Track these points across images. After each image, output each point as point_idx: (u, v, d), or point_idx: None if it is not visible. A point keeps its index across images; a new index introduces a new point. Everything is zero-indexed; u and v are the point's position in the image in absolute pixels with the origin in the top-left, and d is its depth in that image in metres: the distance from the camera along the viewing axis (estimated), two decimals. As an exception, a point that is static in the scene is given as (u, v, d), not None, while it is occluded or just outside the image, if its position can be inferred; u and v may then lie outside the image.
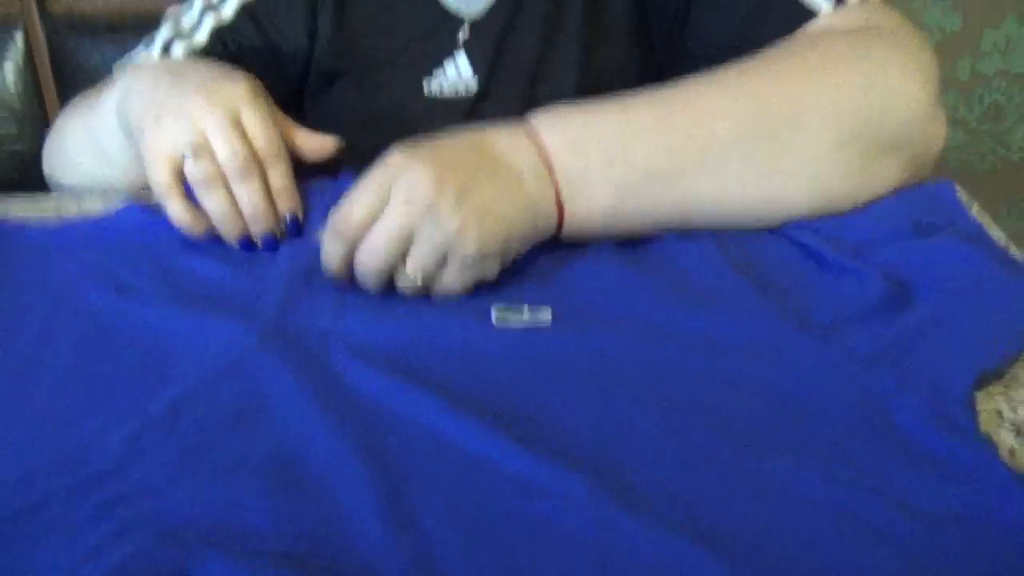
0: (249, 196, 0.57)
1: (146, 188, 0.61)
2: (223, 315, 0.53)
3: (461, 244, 0.51)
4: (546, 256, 0.58)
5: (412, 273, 0.52)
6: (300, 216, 0.60)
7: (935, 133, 0.61)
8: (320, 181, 0.67)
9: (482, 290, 0.54)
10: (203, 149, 0.56)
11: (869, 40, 0.61)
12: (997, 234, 0.60)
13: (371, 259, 0.52)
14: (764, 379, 0.47)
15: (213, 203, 0.57)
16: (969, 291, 0.51)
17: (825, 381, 0.47)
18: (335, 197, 0.54)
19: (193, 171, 0.56)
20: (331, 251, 0.53)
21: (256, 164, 0.57)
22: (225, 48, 0.79)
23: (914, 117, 0.59)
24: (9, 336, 0.52)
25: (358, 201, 0.52)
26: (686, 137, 0.57)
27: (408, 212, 0.50)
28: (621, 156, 0.56)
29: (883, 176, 0.60)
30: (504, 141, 0.56)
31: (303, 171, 0.64)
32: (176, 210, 0.58)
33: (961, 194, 0.64)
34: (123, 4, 1.18)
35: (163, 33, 0.79)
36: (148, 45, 0.80)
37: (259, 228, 0.58)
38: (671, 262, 0.57)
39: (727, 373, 0.48)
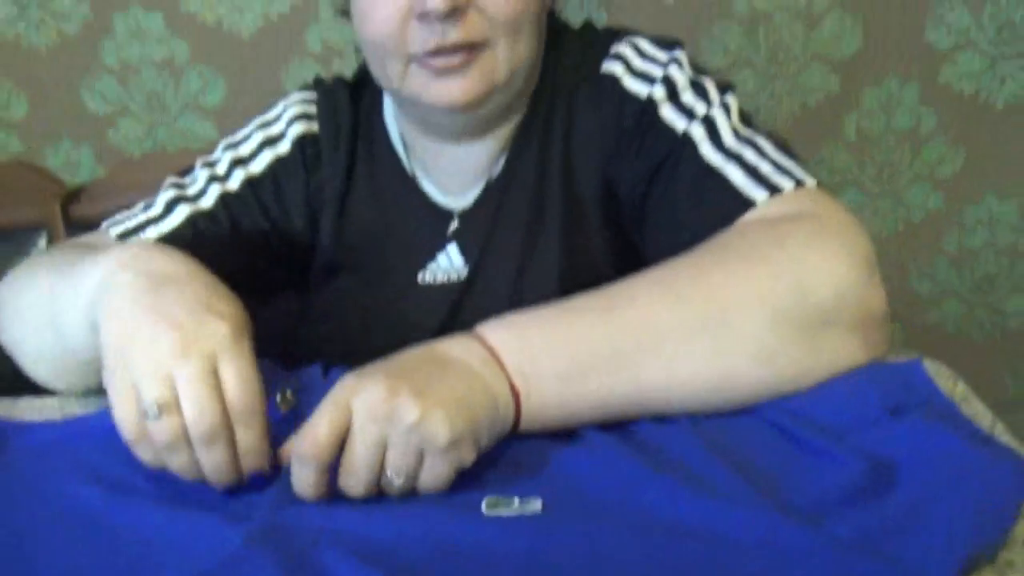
0: (211, 461, 0.53)
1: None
2: (213, 514, 0.54)
3: (431, 435, 0.52)
4: (533, 445, 0.58)
5: (393, 478, 0.53)
6: (267, 469, 0.56)
7: (872, 301, 0.63)
8: (313, 370, 0.69)
9: (472, 482, 0.55)
10: (168, 407, 0.52)
11: (792, 226, 0.65)
12: (981, 409, 0.60)
13: (353, 481, 0.53)
14: (750, 568, 0.47)
15: (175, 463, 0.54)
16: (951, 475, 0.51)
17: (809, 569, 0.46)
18: (326, 389, 0.55)
19: (155, 431, 0.52)
20: (302, 477, 0.53)
21: (224, 426, 0.53)
22: (230, 215, 0.83)
23: (841, 291, 0.61)
24: (1, 535, 0.53)
25: (321, 422, 0.53)
26: (625, 326, 0.60)
27: (374, 425, 0.52)
28: (565, 346, 0.59)
29: (831, 348, 0.62)
30: (452, 346, 0.59)
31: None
32: (145, 459, 0.55)
33: (944, 373, 0.65)
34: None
35: (166, 195, 0.82)
36: (148, 207, 0.82)
37: (221, 485, 0.56)
38: (653, 448, 0.57)
39: (712, 563, 0.47)
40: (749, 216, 0.69)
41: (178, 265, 0.59)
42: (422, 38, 0.73)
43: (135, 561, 0.50)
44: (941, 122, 1.36)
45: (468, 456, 0.54)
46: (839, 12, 1.31)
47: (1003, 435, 0.56)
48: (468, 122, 0.80)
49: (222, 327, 0.54)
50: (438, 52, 0.73)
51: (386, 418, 0.52)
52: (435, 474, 0.53)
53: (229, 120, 1.40)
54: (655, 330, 0.59)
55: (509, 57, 0.76)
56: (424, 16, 0.71)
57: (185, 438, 0.53)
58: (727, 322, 0.60)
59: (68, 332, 0.64)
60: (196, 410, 0.52)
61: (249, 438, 0.54)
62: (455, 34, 0.72)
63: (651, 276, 0.64)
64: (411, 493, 0.54)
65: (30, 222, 1.35)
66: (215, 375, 0.53)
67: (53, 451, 0.62)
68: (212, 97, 1.42)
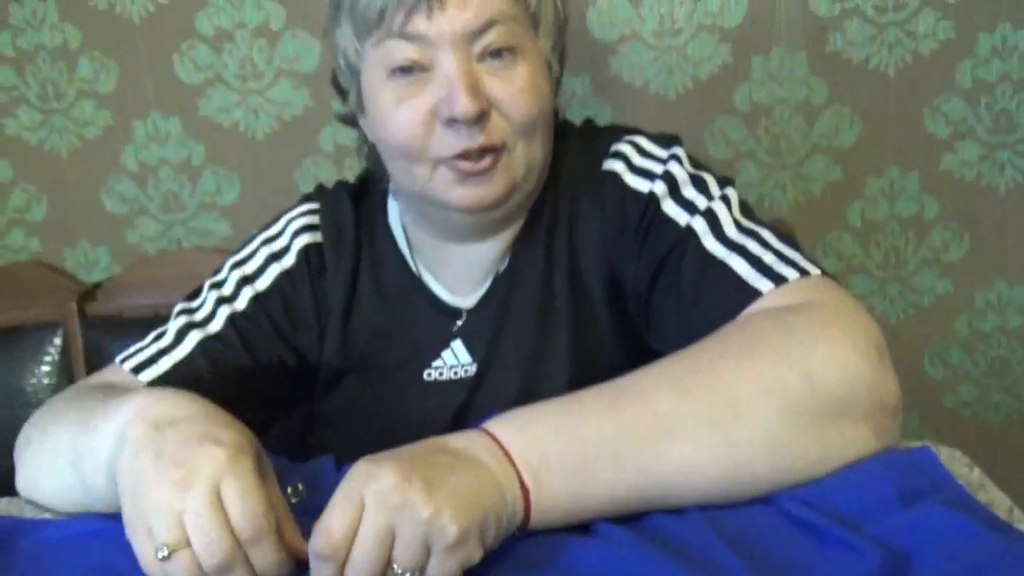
0: None
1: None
2: None
3: (440, 530, 0.51)
4: (543, 539, 0.58)
5: (401, 571, 0.52)
6: (293, 570, 0.56)
7: (883, 390, 0.62)
8: (326, 461, 0.69)
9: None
10: (179, 545, 0.52)
11: (800, 316, 0.65)
12: (999, 496, 0.60)
13: (360, 570, 0.52)
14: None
15: None
16: (967, 563, 0.50)
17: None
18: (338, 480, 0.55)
19: (170, 571, 0.53)
20: (322, 574, 0.53)
21: (236, 553, 0.53)
22: (240, 336, 0.84)
23: (851, 380, 0.61)
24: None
25: (334, 518, 0.52)
26: (635, 419, 0.59)
27: (383, 515, 0.51)
28: (574, 440, 0.58)
29: (842, 438, 0.61)
30: (461, 440, 0.58)
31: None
32: None
33: (959, 459, 0.64)
34: (155, 306, 1.27)
35: (176, 323, 0.84)
36: (160, 336, 0.84)
37: None
38: (666, 540, 0.57)
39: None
40: (755, 306, 0.69)
41: (180, 407, 0.59)
42: (449, 142, 0.75)
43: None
44: (944, 208, 1.38)
45: (475, 553, 0.53)
46: (838, 105, 1.35)
47: (1021, 522, 0.55)
48: (483, 222, 0.81)
49: (218, 453, 0.54)
50: (464, 155, 0.75)
51: (396, 508, 0.51)
52: (442, 571, 0.53)
53: (244, 218, 1.43)
54: (665, 423, 0.59)
55: (527, 158, 0.78)
56: (451, 122, 0.74)
57: (201, 571, 0.53)
58: (737, 415, 0.59)
59: (92, 484, 0.65)
60: (205, 544, 0.52)
61: (263, 557, 0.54)
62: (481, 138, 0.75)
63: (660, 369, 0.63)
64: None
65: (47, 320, 1.38)
66: (220, 502, 0.53)
67: (63, 549, 0.62)
68: (227, 196, 1.45)
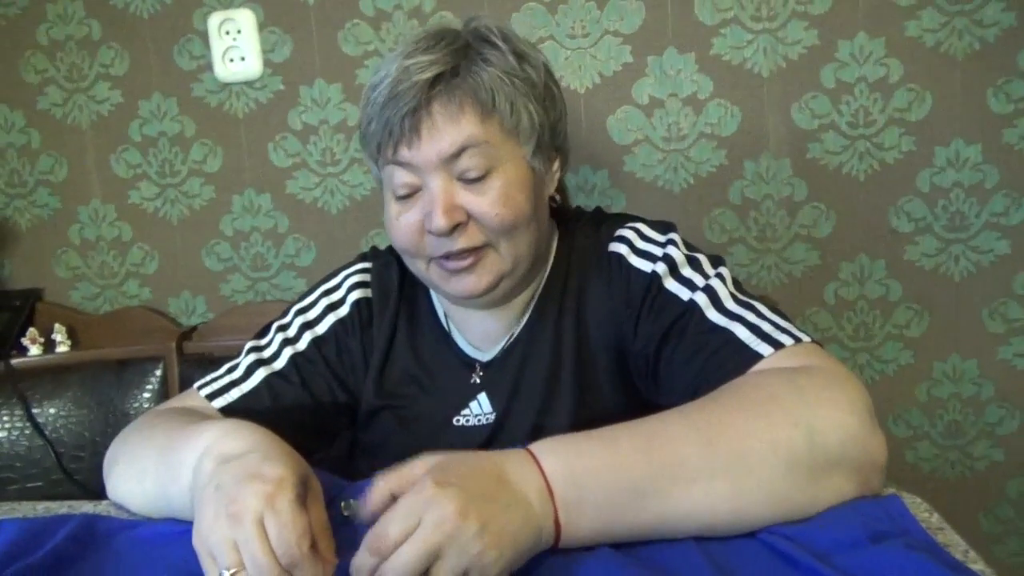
0: None
1: None
2: None
3: (481, 566, 0.50)
4: (548, 563, 0.56)
5: None
6: None
7: (874, 448, 0.61)
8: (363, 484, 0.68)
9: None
10: (236, 567, 0.52)
11: (803, 379, 0.63)
12: (955, 539, 0.57)
13: (399, 570, 0.50)
14: None
15: None
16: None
17: None
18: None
19: None
20: (363, 564, 0.52)
21: (282, 573, 0.52)
22: (299, 373, 0.84)
23: (847, 438, 0.59)
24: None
25: (393, 522, 0.51)
26: (662, 464, 0.57)
27: (437, 536, 0.50)
28: (607, 478, 0.57)
29: (833, 488, 0.59)
30: (515, 470, 0.56)
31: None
32: None
33: (920, 505, 0.62)
34: (240, 346, 1.27)
35: (246, 360, 0.85)
36: (232, 370, 0.84)
37: None
38: (660, 566, 0.55)
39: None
40: (759, 367, 0.68)
41: (242, 442, 0.59)
42: (435, 246, 0.77)
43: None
44: (907, 291, 1.36)
45: None
46: (816, 202, 1.34)
47: (976, 563, 0.53)
48: (485, 302, 0.81)
49: (263, 488, 0.53)
50: (448, 257, 0.76)
51: (450, 536, 0.50)
52: None
53: (318, 277, 1.42)
54: (685, 470, 0.57)
55: (511, 252, 0.78)
56: (431, 233, 0.75)
57: None
58: (748, 467, 0.58)
59: (177, 505, 0.65)
60: (255, 568, 0.51)
61: (302, 574, 0.52)
62: (460, 242, 0.76)
63: (685, 419, 0.61)
64: None
65: (151, 355, 1.39)
66: (265, 532, 0.52)
67: (151, 547, 0.61)
68: (305, 259, 1.47)
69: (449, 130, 0.73)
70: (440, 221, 0.73)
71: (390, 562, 0.51)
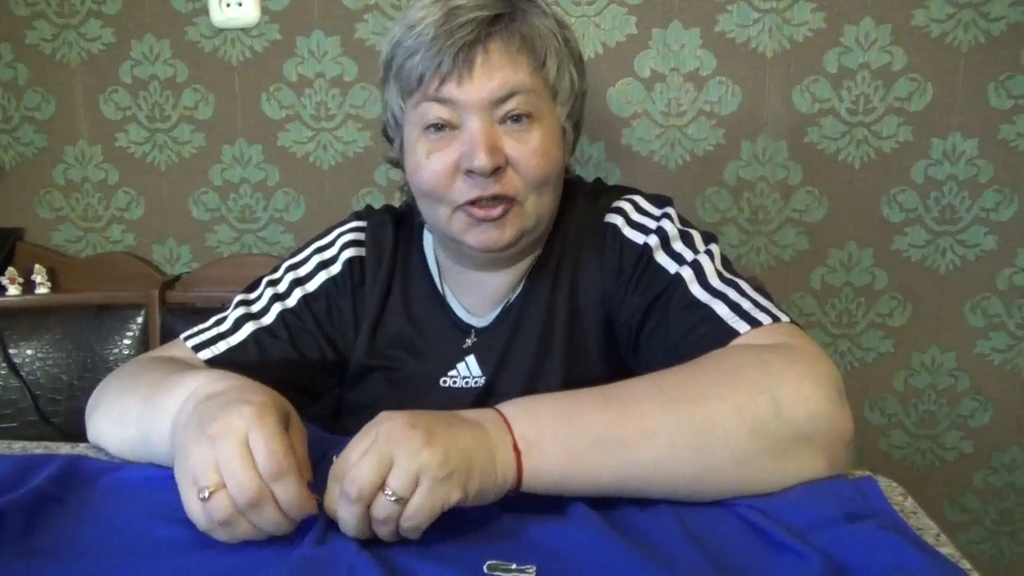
0: (263, 521, 0.53)
1: None
2: (265, 548, 0.54)
3: (429, 464, 0.52)
4: (531, 522, 0.58)
5: (390, 493, 0.52)
6: (317, 511, 0.56)
7: (841, 424, 0.62)
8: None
9: (475, 550, 0.54)
10: (217, 487, 0.52)
11: (772, 353, 0.65)
12: (928, 523, 0.59)
13: (354, 486, 0.52)
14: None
15: (240, 532, 0.54)
16: (895, 573, 0.50)
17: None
18: None
19: (211, 510, 0.53)
20: (331, 493, 0.55)
21: (264, 491, 0.53)
22: (288, 330, 0.84)
23: (815, 412, 0.61)
24: (91, 565, 0.52)
25: (351, 449, 0.54)
26: (623, 418, 0.59)
27: (387, 445, 0.53)
28: (568, 424, 0.59)
29: (801, 462, 0.60)
30: (473, 413, 0.60)
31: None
32: (223, 539, 0.55)
33: (895, 488, 0.64)
34: (224, 299, 1.27)
35: (235, 313, 0.84)
36: (220, 322, 0.84)
37: (280, 535, 0.55)
38: (635, 531, 0.57)
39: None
40: (734, 343, 0.69)
41: (224, 383, 0.60)
42: (466, 189, 0.75)
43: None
44: (892, 281, 1.38)
45: (454, 494, 0.53)
46: (810, 187, 1.35)
47: (945, 547, 0.54)
48: (495, 258, 0.82)
49: (246, 410, 0.54)
50: (478, 202, 0.75)
51: (399, 442, 0.53)
52: (423, 500, 0.52)
53: (306, 233, 1.43)
54: (648, 426, 0.59)
55: (536, 209, 0.78)
56: (470, 173, 0.74)
57: (235, 508, 0.53)
58: (711, 427, 0.59)
59: (157, 451, 0.65)
60: (235, 484, 0.52)
61: (285, 494, 0.53)
62: (494, 188, 0.75)
63: (649, 381, 0.64)
64: (396, 537, 0.54)
65: (133, 302, 1.38)
66: (248, 452, 0.53)
67: (136, 488, 0.62)
68: (294, 214, 1.46)
69: (504, 71, 0.73)
70: (484, 159, 0.72)
71: (347, 477, 0.53)
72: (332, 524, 0.55)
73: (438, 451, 0.53)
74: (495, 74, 0.73)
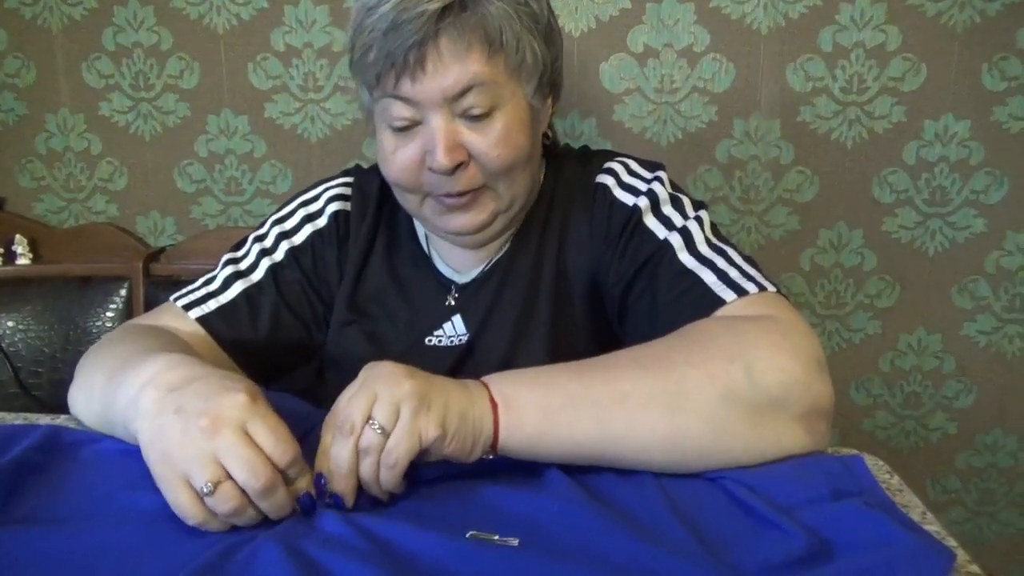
0: (273, 506, 0.53)
1: None
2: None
3: (408, 394, 0.55)
4: (513, 495, 0.58)
5: (374, 423, 0.54)
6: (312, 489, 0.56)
7: (817, 394, 0.62)
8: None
9: (458, 521, 0.54)
10: (218, 479, 0.51)
11: (751, 324, 0.65)
12: (914, 500, 0.59)
13: (346, 422, 0.54)
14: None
15: (243, 520, 0.53)
16: (881, 555, 0.50)
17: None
18: None
19: (217, 504, 0.51)
20: (325, 442, 0.56)
21: (276, 475, 0.53)
22: (276, 284, 0.84)
23: (788, 380, 0.61)
24: (67, 543, 0.51)
25: (344, 393, 0.57)
26: (596, 382, 0.60)
27: (372, 384, 0.55)
28: (544, 386, 0.60)
29: (775, 430, 0.61)
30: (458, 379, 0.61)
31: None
32: (216, 530, 0.53)
33: (881, 467, 0.64)
34: (209, 271, 1.26)
35: (223, 272, 0.84)
36: (209, 281, 0.84)
37: (285, 516, 0.55)
38: (616, 501, 0.57)
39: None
40: (719, 312, 0.69)
41: (191, 371, 0.58)
42: (433, 184, 0.76)
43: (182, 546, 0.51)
44: (881, 262, 1.38)
45: (432, 428, 0.55)
46: (801, 167, 1.35)
47: (931, 524, 0.55)
48: (476, 239, 0.81)
49: (239, 397, 0.54)
50: (447, 194, 0.76)
51: (383, 380, 0.55)
52: (401, 433, 0.54)
53: (292, 206, 1.42)
54: (621, 389, 0.60)
55: (509, 192, 0.78)
56: (432, 170, 0.74)
57: (246, 499, 0.52)
58: (683, 391, 0.59)
59: (118, 431, 0.64)
60: (248, 472, 0.51)
61: (299, 476, 0.55)
62: (459, 184, 0.75)
63: (624, 352, 0.65)
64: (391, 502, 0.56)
65: (116, 274, 1.37)
66: (250, 439, 0.52)
67: (117, 458, 0.61)
68: (280, 186, 1.45)
69: (456, 67, 0.72)
70: (443, 160, 0.73)
71: (340, 416, 0.55)
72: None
73: (417, 383, 0.56)
74: (448, 70, 0.71)
